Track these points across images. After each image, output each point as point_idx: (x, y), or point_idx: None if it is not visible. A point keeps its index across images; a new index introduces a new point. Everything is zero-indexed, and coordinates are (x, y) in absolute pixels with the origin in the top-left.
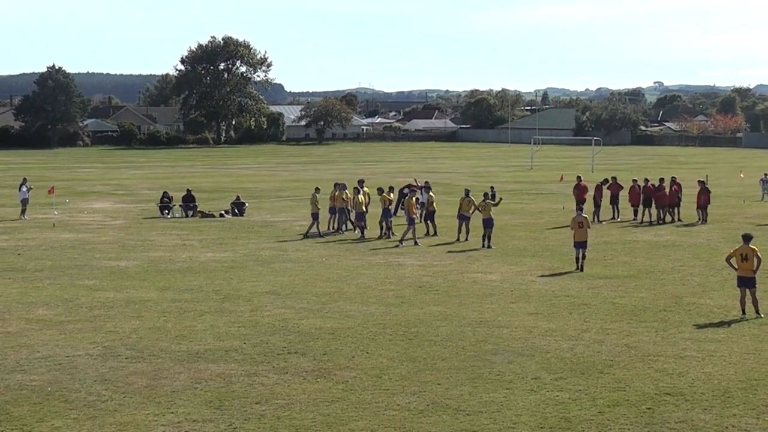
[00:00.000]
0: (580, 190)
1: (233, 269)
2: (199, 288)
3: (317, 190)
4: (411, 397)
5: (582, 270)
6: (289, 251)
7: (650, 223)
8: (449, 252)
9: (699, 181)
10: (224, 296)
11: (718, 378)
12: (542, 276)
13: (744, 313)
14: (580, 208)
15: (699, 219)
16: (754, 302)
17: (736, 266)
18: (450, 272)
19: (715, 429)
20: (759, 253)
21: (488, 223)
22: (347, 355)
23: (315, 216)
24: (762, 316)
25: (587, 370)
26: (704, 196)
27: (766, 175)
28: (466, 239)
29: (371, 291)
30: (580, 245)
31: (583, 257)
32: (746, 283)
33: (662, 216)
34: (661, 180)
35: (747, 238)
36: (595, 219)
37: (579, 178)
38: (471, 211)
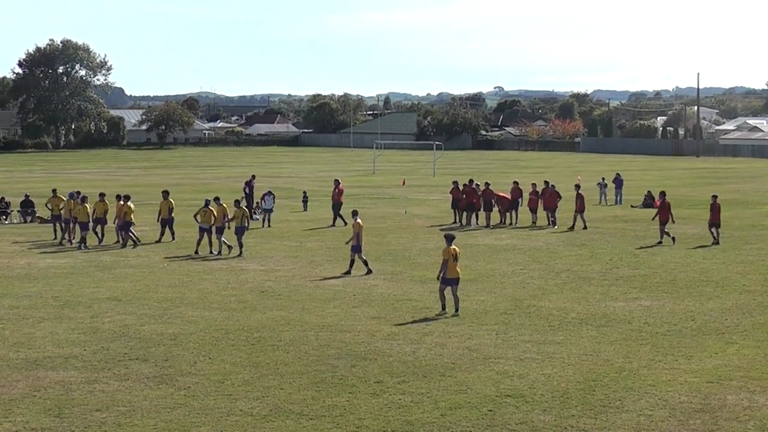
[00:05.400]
0: (550, 197)
1: (73, 275)
2: (38, 294)
3: (71, 195)
4: (254, 402)
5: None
6: (130, 257)
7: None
8: (292, 257)
9: (545, 182)
10: (64, 303)
11: (557, 379)
12: (384, 280)
13: (444, 309)
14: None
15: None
16: (456, 300)
17: (447, 268)
18: (292, 277)
19: (554, 430)
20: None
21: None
22: (189, 360)
23: (74, 223)
24: (459, 314)
25: (429, 373)
26: (580, 201)
27: (603, 179)
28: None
29: (213, 296)
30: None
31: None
32: (453, 282)
33: (502, 219)
34: (476, 183)
35: (451, 238)
36: (457, 220)
37: (546, 183)
38: (213, 223)
